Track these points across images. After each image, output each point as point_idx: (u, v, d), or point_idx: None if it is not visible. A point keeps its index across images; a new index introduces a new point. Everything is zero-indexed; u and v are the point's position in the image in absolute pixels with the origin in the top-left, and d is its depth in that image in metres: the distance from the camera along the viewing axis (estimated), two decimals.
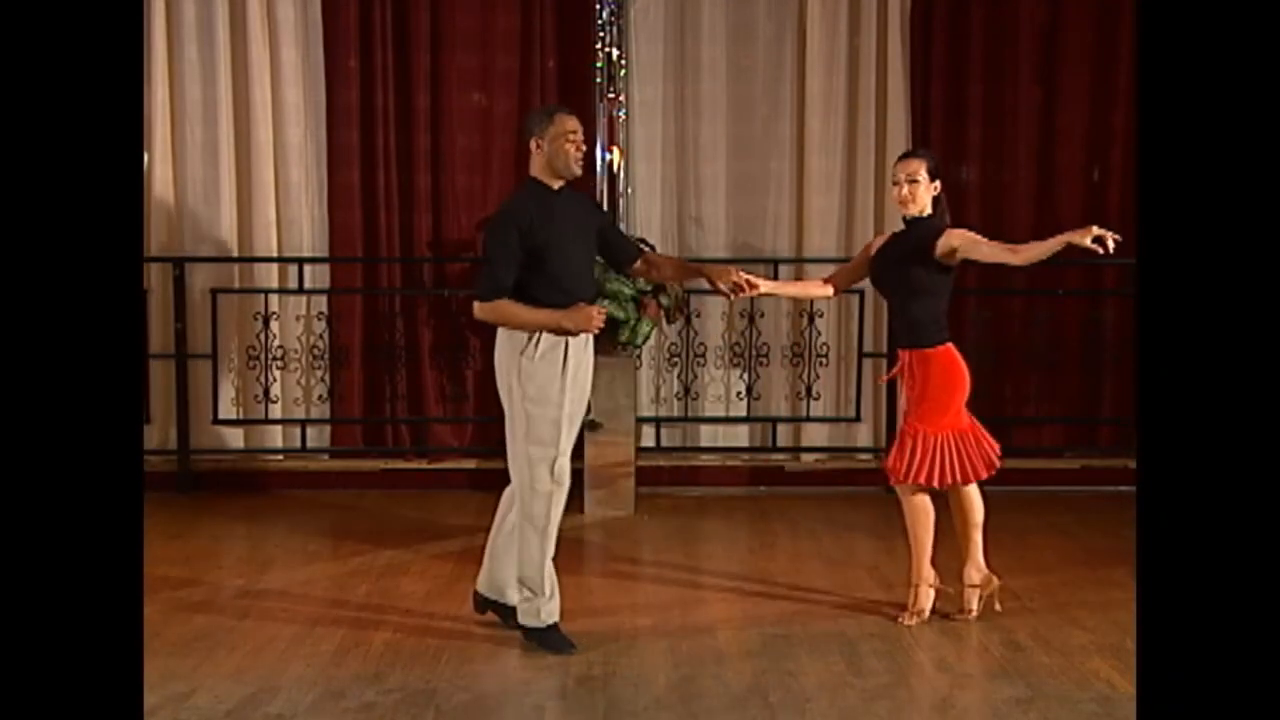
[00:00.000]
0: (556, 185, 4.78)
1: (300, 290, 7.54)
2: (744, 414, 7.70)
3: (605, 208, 7.02)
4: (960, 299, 7.74)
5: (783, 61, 7.66)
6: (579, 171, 4.80)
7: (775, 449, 7.68)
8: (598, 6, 7.49)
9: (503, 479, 7.51)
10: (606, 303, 6.43)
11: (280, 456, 7.67)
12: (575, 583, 5.37)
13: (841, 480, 7.61)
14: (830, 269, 7.63)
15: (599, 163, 7.30)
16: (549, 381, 4.68)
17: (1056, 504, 7.17)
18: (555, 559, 4.84)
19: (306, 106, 7.52)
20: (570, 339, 4.69)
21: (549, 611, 4.81)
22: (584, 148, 4.79)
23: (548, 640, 4.78)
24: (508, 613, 4.96)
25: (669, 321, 7.12)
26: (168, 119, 7.44)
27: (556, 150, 4.71)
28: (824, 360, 7.64)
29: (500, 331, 4.76)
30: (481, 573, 5.07)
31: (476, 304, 4.71)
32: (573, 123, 4.76)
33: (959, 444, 5.09)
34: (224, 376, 7.55)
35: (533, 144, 4.77)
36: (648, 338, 6.90)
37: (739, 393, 7.69)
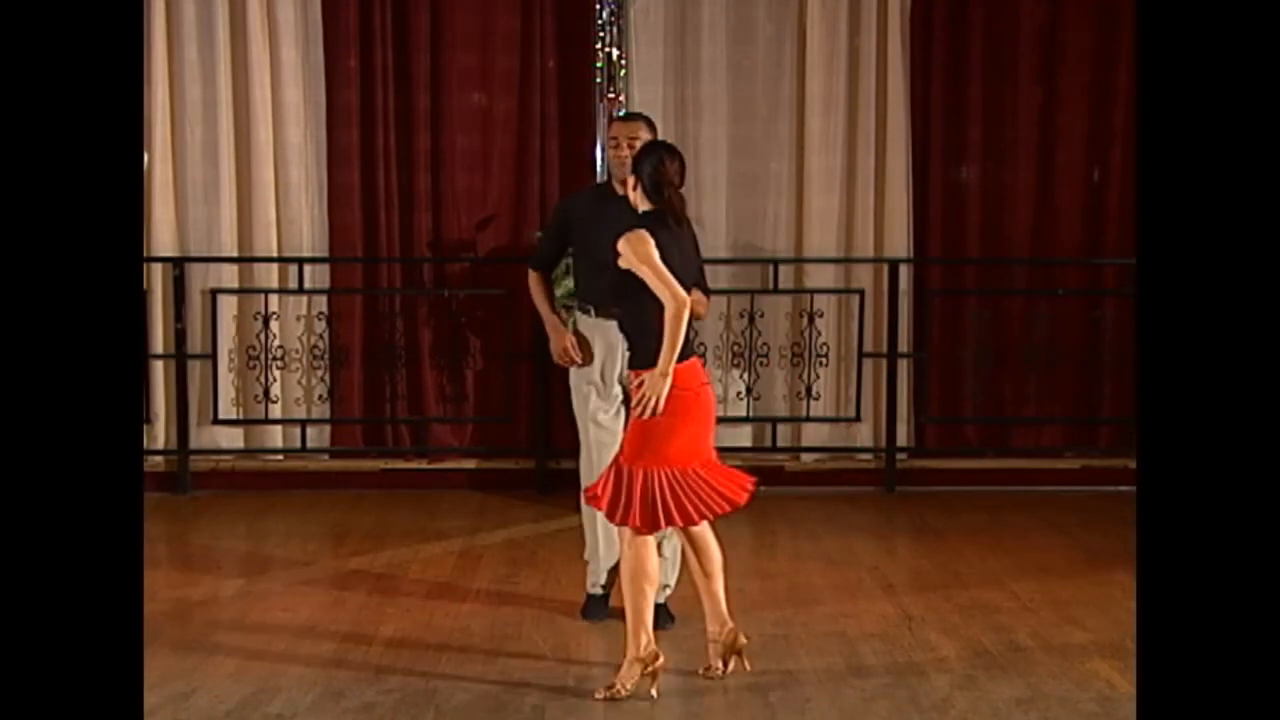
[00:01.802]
0: (621, 191, 4.81)
1: (300, 290, 7.54)
2: (744, 414, 7.69)
3: None
4: (960, 299, 7.77)
5: (783, 61, 7.65)
6: (623, 174, 4.83)
7: (775, 449, 7.68)
8: (598, 6, 7.49)
9: (502, 479, 7.57)
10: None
11: (280, 456, 7.66)
12: (575, 583, 5.37)
13: (841, 480, 7.61)
14: (830, 269, 7.69)
15: (599, 162, 7.31)
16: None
17: (1056, 504, 7.17)
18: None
19: (306, 106, 7.51)
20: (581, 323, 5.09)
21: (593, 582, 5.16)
22: (630, 150, 4.84)
23: (590, 608, 5.13)
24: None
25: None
26: (168, 119, 7.42)
27: (609, 157, 5.05)
28: (824, 360, 7.64)
29: None
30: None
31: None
32: (616, 128, 5.06)
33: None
34: (224, 376, 7.54)
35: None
36: None
37: (739, 393, 7.68)
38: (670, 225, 4.37)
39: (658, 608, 4.92)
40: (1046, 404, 7.79)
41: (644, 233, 4.29)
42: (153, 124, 7.34)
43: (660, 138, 5.08)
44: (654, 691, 4.32)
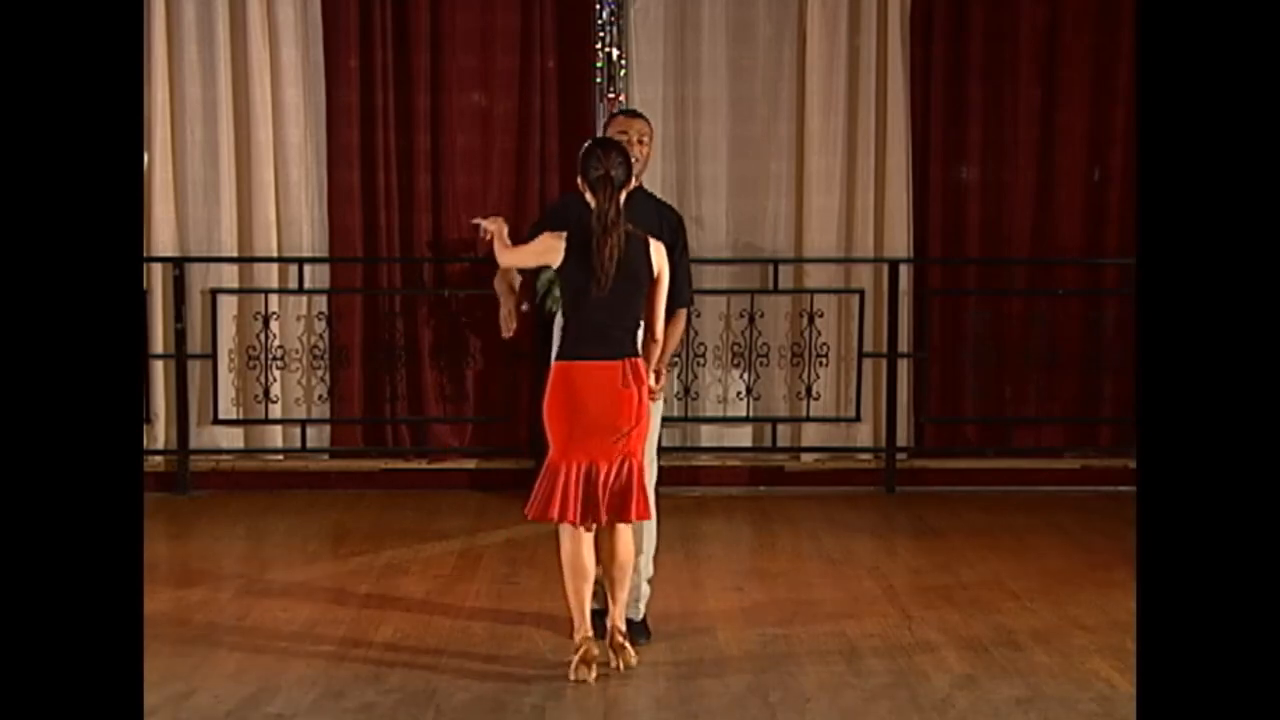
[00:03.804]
0: None
1: (300, 290, 7.54)
2: (744, 414, 7.69)
3: None
4: (960, 299, 7.78)
5: (783, 61, 7.65)
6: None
7: (775, 449, 7.68)
8: (598, 6, 7.50)
9: (502, 479, 7.57)
10: None
11: (280, 456, 7.66)
12: None
13: (841, 480, 7.61)
14: (830, 269, 7.69)
15: None
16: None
17: (1056, 504, 7.17)
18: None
19: (306, 106, 7.51)
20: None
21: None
22: (639, 148, 4.75)
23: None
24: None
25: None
26: (168, 119, 7.43)
27: None
28: (824, 360, 7.64)
29: None
30: None
31: None
32: (626, 123, 4.86)
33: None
34: (224, 376, 7.54)
35: None
36: None
37: (739, 393, 7.68)
38: (596, 226, 4.37)
39: (630, 624, 4.78)
40: (1046, 404, 7.79)
41: (549, 235, 4.49)
42: (153, 124, 7.34)
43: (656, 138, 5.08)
44: (589, 677, 4.41)
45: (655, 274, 4.46)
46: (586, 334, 4.42)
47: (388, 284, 7.73)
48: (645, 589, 4.94)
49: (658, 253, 4.47)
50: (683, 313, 4.86)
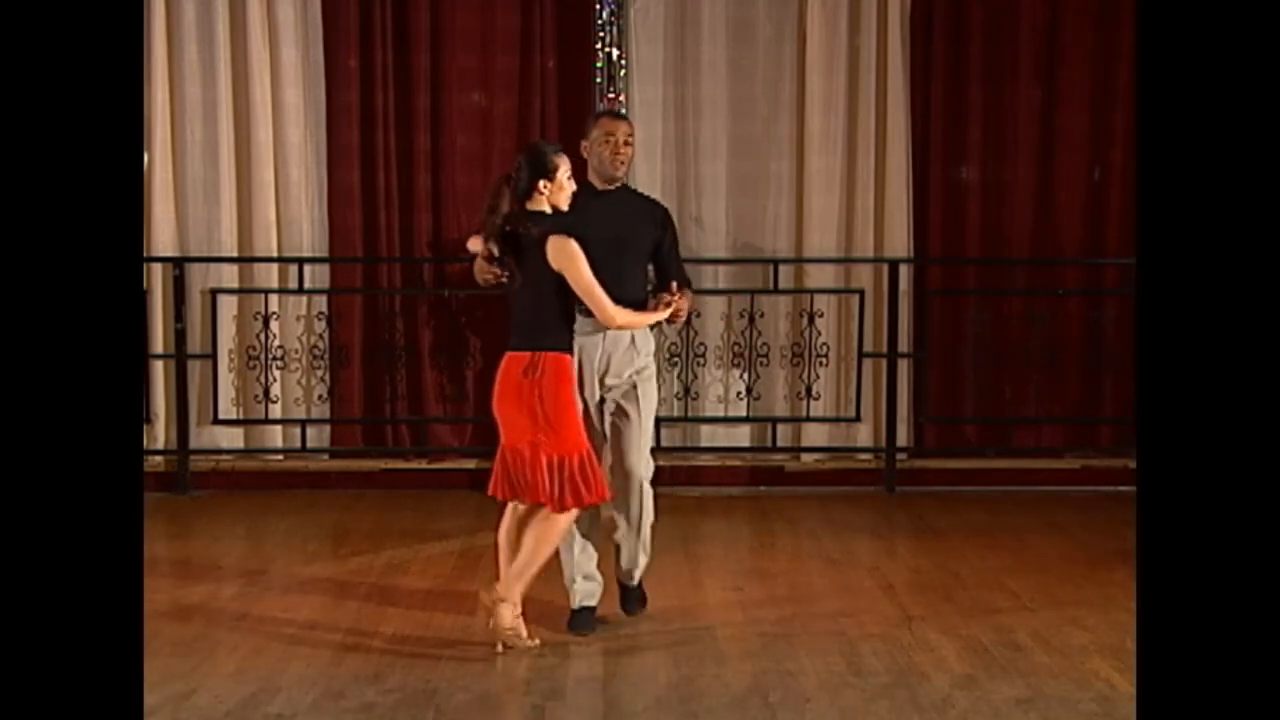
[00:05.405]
0: (603, 186, 4.99)
1: (300, 290, 7.54)
2: (744, 414, 7.69)
3: None
4: (960, 299, 7.78)
5: (783, 61, 7.66)
6: (617, 172, 4.97)
7: (775, 449, 7.68)
8: (598, 6, 7.50)
9: None
10: None
11: (280, 456, 7.67)
12: None
13: (841, 480, 7.61)
14: (830, 269, 7.70)
15: None
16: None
17: (1056, 504, 7.17)
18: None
19: (306, 106, 7.51)
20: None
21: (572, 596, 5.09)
22: (625, 149, 4.96)
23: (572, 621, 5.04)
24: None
25: (669, 322, 7.11)
26: (168, 119, 7.43)
27: (597, 153, 4.95)
28: (824, 360, 7.64)
29: None
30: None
31: None
32: (612, 124, 5.00)
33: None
34: (224, 376, 7.54)
35: (583, 148, 5.01)
36: None
37: (739, 393, 7.68)
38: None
39: (628, 590, 5.14)
40: (1046, 404, 7.79)
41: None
42: (153, 124, 7.35)
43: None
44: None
45: (556, 269, 4.60)
46: (511, 326, 4.76)
47: (388, 284, 7.73)
48: (642, 559, 5.10)
49: (554, 250, 4.58)
50: (686, 291, 5.07)
